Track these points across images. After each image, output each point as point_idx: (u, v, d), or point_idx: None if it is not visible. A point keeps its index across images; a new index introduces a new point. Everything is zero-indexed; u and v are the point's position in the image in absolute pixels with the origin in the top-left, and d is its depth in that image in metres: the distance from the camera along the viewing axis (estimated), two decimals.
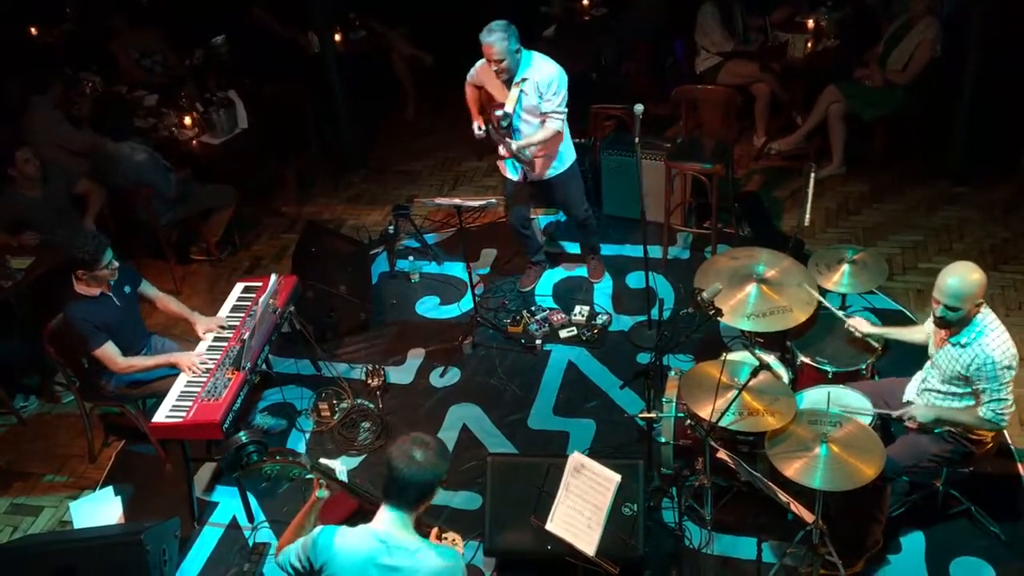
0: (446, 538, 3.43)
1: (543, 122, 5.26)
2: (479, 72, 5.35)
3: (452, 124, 8.17)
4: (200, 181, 6.73)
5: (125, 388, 4.87)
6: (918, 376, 4.12)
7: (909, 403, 4.06)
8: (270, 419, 5.31)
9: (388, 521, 2.96)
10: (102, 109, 6.66)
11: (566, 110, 5.26)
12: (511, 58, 5.05)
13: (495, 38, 4.97)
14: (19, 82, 6.72)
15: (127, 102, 7.08)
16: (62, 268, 4.71)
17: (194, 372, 4.62)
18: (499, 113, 5.22)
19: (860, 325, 4.32)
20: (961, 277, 3.63)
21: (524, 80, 5.15)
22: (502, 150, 5.33)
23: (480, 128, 5.41)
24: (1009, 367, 3.68)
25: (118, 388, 4.86)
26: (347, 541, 2.96)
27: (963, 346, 3.71)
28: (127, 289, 4.83)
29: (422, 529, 3.20)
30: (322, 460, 3.29)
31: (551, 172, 5.49)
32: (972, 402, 3.83)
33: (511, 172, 5.58)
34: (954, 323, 3.72)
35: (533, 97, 5.18)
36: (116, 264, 4.61)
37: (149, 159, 6.21)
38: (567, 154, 5.51)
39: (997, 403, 3.73)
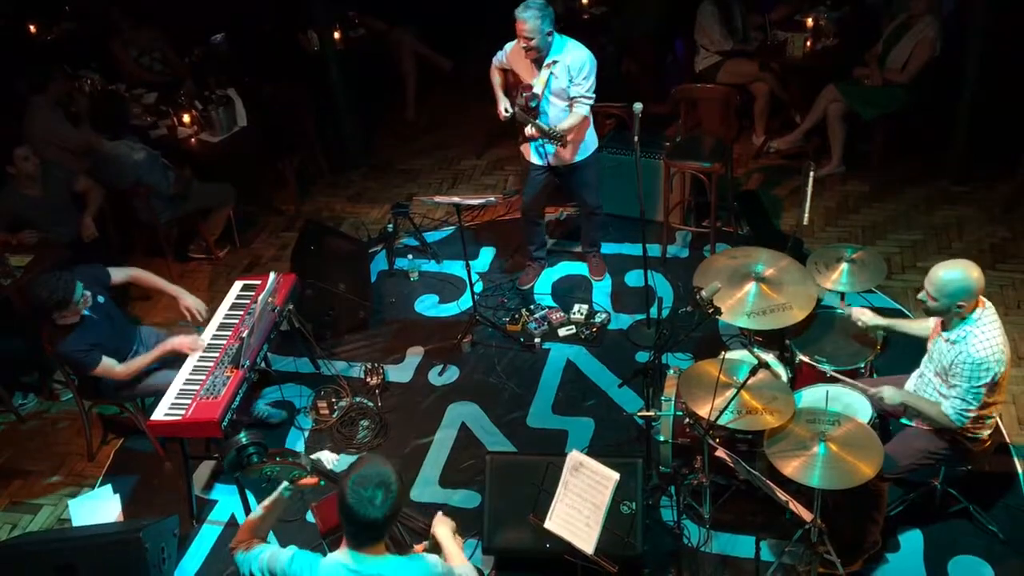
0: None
1: (570, 106, 5.27)
2: (509, 54, 5.37)
3: (452, 122, 8.18)
4: (199, 179, 6.72)
5: (128, 390, 4.87)
6: (916, 373, 4.12)
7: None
8: (270, 408, 5.29)
9: (350, 556, 2.84)
10: (99, 108, 6.64)
11: (594, 96, 5.27)
12: (541, 38, 5.05)
13: (529, 15, 4.98)
14: (19, 81, 6.72)
15: (124, 100, 7.06)
16: (62, 265, 4.69)
17: (194, 350, 4.68)
18: (527, 94, 5.22)
19: (863, 315, 4.28)
20: (951, 273, 3.63)
21: (555, 63, 5.17)
22: (529, 130, 5.31)
23: (507, 111, 5.41)
24: (987, 369, 3.63)
25: (122, 389, 4.87)
26: (321, 573, 2.87)
27: (953, 343, 3.70)
28: (101, 299, 4.80)
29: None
30: (316, 455, 3.28)
31: (577, 158, 5.50)
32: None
33: (536, 157, 5.58)
34: (933, 312, 3.74)
35: (563, 80, 5.19)
36: (88, 294, 4.59)
37: (147, 158, 6.20)
38: (591, 141, 5.54)
39: (964, 403, 3.70)
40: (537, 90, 5.22)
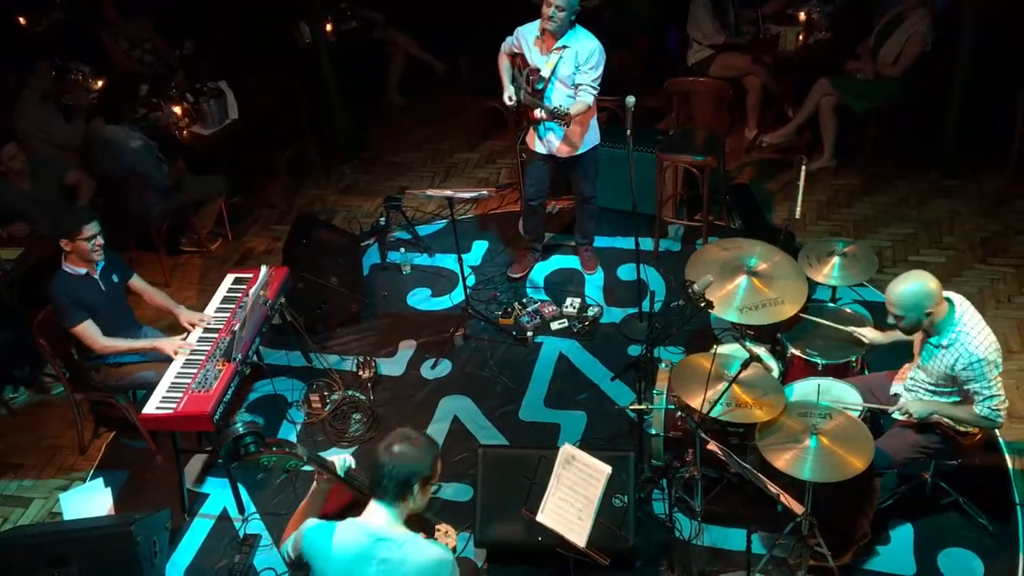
0: (439, 529, 3.43)
1: (574, 95, 5.27)
2: (521, 33, 5.41)
3: (445, 116, 8.16)
4: (191, 172, 6.70)
5: (110, 371, 4.85)
6: (905, 368, 4.13)
7: (897, 396, 4.08)
8: (247, 416, 5.26)
9: (377, 514, 2.96)
10: (107, 92, 6.59)
11: (599, 88, 5.29)
12: (569, 11, 5.11)
13: None
14: (8, 75, 6.69)
15: (132, 89, 7.00)
16: (52, 257, 4.72)
17: (180, 352, 4.65)
18: (534, 77, 5.25)
19: (867, 333, 4.29)
20: (907, 286, 3.65)
21: (565, 47, 5.19)
22: (538, 113, 5.29)
23: (511, 99, 5.43)
24: (995, 362, 3.68)
25: (103, 368, 4.85)
26: (336, 536, 2.96)
27: (945, 347, 3.71)
28: (115, 278, 4.85)
29: (418, 525, 3.20)
30: (333, 458, 3.31)
31: (581, 149, 5.53)
32: (960, 399, 3.84)
33: (540, 146, 5.59)
34: (909, 330, 3.75)
35: (570, 66, 5.22)
36: (102, 240, 4.64)
37: (144, 147, 6.15)
38: (595, 134, 5.57)
39: (991, 399, 3.72)
40: (544, 73, 5.24)
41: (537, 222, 6.09)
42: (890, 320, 3.75)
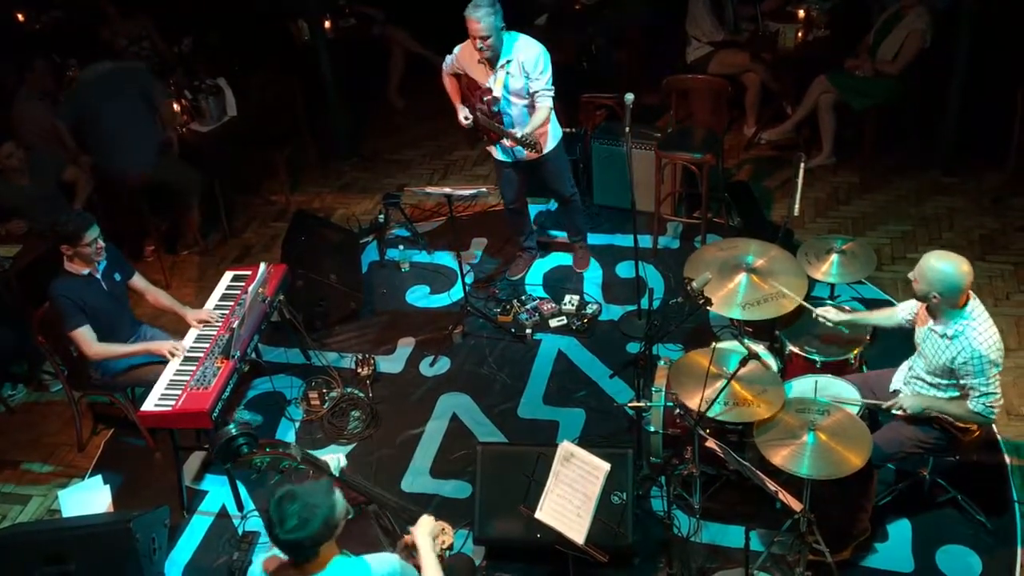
0: (442, 531, 3.42)
1: (530, 104, 5.25)
2: (459, 58, 5.33)
3: (443, 113, 8.13)
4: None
5: (110, 377, 4.85)
6: (905, 365, 4.14)
7: (896, 392, 4.08)
8: (246, 414, 5.29)
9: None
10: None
11: (553, 88, 5.24)
12: (496, 35, 5.01)
13: (481, 13, 4.92)
14: (6, 72, 6.68)
15: None
16: (50, 254, 4.71)
17: (175, 355, 4.62)
18: (488, 98, 5.19)
19: (828, 313, 4.29)
20: (940, 263, 3.65)
21: (509, 61, 5.14)
22: (507, 141, 5.28)
23: (466, 118, 5.39)
24: (995, 362, 3.68)
25: (104, 377, 4.85)
26: None
27: (950, 338, 3.72)
28: (118, 276, 4.83)
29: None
30: (326, 457, 3.32)
31: (545, 150, 5.47)
32: (957, 394, 3.84)
33: (501, 155, 5.56)
34: (917, 295, 3.76)
35: (519, 78, 5.16)
36: (102, 243, 4.61)
37: (149, 67, 6.43)
38: (555, 132, 5.50)
39: (986, 396, 3.72)
40: (497, 93, 5.19)
41: (521, 222, 6.09)
42: (910, 274, 3.77)
